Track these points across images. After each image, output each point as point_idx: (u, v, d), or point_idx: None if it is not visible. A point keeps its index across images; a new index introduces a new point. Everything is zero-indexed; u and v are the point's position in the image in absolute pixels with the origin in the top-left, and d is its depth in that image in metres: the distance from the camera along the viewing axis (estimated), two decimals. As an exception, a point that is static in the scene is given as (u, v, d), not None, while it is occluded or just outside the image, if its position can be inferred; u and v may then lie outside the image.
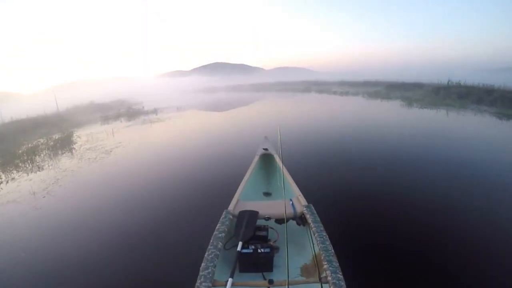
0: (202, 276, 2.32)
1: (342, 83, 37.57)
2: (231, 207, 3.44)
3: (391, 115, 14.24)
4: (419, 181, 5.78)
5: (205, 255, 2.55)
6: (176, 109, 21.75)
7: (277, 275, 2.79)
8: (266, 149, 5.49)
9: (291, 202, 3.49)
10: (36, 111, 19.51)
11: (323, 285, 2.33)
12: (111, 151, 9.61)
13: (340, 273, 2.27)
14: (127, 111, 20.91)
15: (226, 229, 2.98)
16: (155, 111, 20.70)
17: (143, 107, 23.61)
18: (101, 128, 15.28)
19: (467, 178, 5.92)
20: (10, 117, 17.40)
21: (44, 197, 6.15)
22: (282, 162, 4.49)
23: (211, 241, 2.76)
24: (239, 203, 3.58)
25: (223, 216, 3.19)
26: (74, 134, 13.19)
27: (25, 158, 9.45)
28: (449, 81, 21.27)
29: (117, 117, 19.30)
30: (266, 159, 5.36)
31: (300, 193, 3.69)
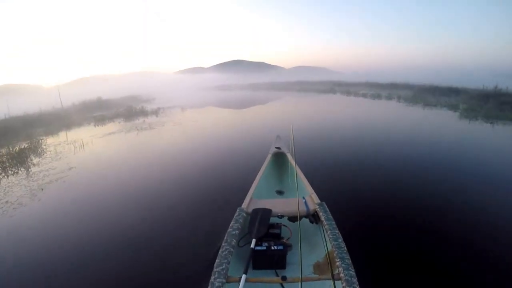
0: (216, 272, 2.33)
1: (368, 85, 34.71)
2: (244, 204, 3.45)
3: (455, 130, 11.07)
4: (438, 186, 5.56)
5: (219, 252, 2.57)
6: (189, 106, 21.35)
7: (290, 272, 2.85)
8: (278, 148, 5.52)
9: (304, 200, 3.50)
10: (43, 106, 19.72)
11: (335, 282, 2.31)
12: (67, 172, 7.27)
13: (353, 270, 2.28)
14: (130, 110, 18.72)
15: (239, 227, 2.98)
16: (158, 110, 18.84)
17: (149, 106, 21.49)
18: (88, 131, 13.40)
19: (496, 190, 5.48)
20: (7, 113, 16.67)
21: None
22: (295, 160, 4.48)
23: (225, 238, 2.76)
24: (252, 201, 3.60)
25: (236, 213, 3.21)
26: (42, 143, 10.80)
27: None
28: (496, 87, 17.71)
29: (115, 116, 17.37)
30: (279, 158, 5.39)
31: (313, 191, 3.68)
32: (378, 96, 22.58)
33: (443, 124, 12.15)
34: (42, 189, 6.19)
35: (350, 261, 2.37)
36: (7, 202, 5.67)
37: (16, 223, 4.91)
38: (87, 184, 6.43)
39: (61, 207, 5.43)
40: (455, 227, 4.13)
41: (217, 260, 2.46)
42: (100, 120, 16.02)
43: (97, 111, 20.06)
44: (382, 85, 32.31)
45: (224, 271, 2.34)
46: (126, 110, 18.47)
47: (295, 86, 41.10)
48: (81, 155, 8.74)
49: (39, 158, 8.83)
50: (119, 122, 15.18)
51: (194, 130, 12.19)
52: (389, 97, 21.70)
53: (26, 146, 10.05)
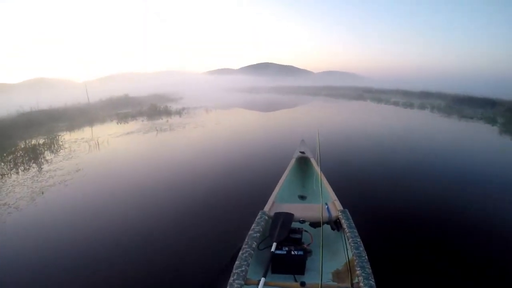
0: (236, 274, 2.33)
1: (398, 92, 33.44)
2: (266, 208, 3.46)
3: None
4: (473, 202, 5.23)
5: (240, 254, 2.57)
6: (215, 107, 20.95)
7: (309, 278, 2.73)
8: (303, 152, 5.44)
9: (326, 206, 3.47)
10: (71, 100, 20.06)
11: None
12: (77, 171, 6.96)
13: (373, 280, 2.23)
14: (153, 109, 18.42)
15: (261, 230, 2.99)
16: (182, 110, 18.40)
17: (174, 106, 21.17)
18: (108, 128, 13.21)
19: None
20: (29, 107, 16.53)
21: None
22: (320, 166, 4.41)
23: (245, 240, 2.78)
24: (274, 204, 3.59)
25: (258, 216, 3.21)
26: (60, 140, 10.55)
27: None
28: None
29: (139, 114, 17.14)
30: (303, 162, 5.33)
31: (336, 198, 3.65)
32: (411, 105, 21.34)
33: (481, 138, 11.39)
34: (42, 193, 5.71)
35: (371, 270, 2.33)
36: (5, 204, 5.27)
37: (8, 229, 4.50)
38: (88, 191, 5.91)
39: (56, 217, 4.92)
40: (488, 243, 3.96)
41: (236, 262, 2.47)
42: (123, 118, 15.84)
43: (121, 108, 20.05)
44: (413, 93, 31.01)
45: (243, 273, 2.35)
46: (150, 109, 18.18)
47: (324, 91, 40.25)
48: (93, 156, 8.34)
49: (53, 155, 8.53)
50: (141, 121, 14.88)
51: (216, 132, 11.71)
52: (421, 107, 20.47)
53: (42, 142, 9.88)
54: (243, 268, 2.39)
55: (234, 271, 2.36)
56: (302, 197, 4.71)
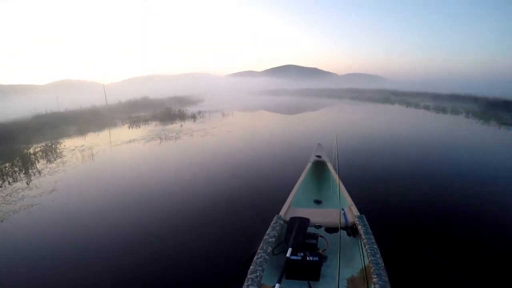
0: (250, 279, 2.29)
1: (427, 95, 31.51)
2: (282, 212, 3.38)
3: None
4: (493, 204, 5.07)
5: (254, 259, 2.52)
6: (234, 110, 20.57)
7: (324, 285, 2.75)
8: (319, 156, 5.35)
9: (343, 212, 3.39)
10: (90, 102, 20.40)
11: None
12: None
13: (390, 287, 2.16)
14: (168, 113, 17.66)
15: (276, 234, 2.94)
16: (197, 115, 17.46)
17: (191, 109, 20.19)
18: (114, 134, 12.51)
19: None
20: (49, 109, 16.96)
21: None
22: (337, 170, 4.32)
23: (261, 245, 2.72)
24: (290, 209, 3.52)
25: (274, 221, 3.16)
26: (58, 147, 9.81)
27: None
28: None
29: (151, 118, 16.55)
30: (319, 167, 5.21)
31: (353, 203, 3.56)
32: (443, 110, 19.46)
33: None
34: (1, 221, 4.69)
35: (387, 278, 2.25)
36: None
37: None
38: (48, 223, 4.69)
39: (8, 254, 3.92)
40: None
41: (251, 267, 2.41)
42: (135, 122, 15.16)
43: (137, 111, 19.73)
44: (442, 96, 29.08)
45: (258, 279, 2.30)
46: (164, 113, 17.45)
47: (348, 94, 39.03)
48: (78, 171, 7.17)
49: (43, 166, 7.68)
50: (152, 126, 14.04)
51: (226, 141, 10.40)
52: (455, 111, 18.63)
53: (41, 149, 9.21)
54: (258, 274, 2.34)
55: (248, 276, 2.31)
56: (318, 202, 4.61)
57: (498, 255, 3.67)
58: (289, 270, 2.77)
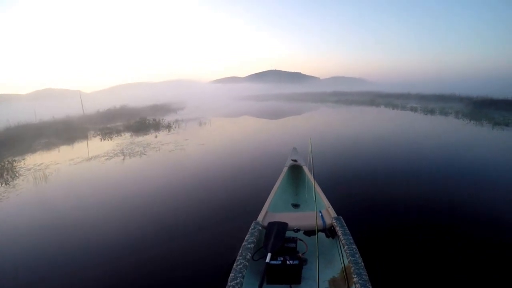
0: (230, 287, 2.26)
1: (411, 97, 31.55)
2: (260, 218, 3.36)
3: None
4: (457, 199, 5.25)
5: (234, 266, 2.48)
6: (213, 117, 20.22)
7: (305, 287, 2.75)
8: (295, 161, 5.32)
9: (320, 214, 3.40)
10: (67, 112, 20.15)
11: None
12: None
13: (370, 286, 2.17)
14: (143, 122, 16.57)
15: (255, 240, 2.91)
16: (172, 124, 16.39)
17: (168, 118, 19.57)
18: (79, 149, 11.39)
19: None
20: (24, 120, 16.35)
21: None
22: (312, 174, 4.23)
23: (240, 251, 2.70)
24: (268, 214, 3.51)
25: (252, 227, 3.13)
26: (18, 165, 8.84)
27: None
28: None
29: (125, 129, 15.50)
30: (295, 171, 5.21)
31: (330, 205, 3.59)
32: (431, 111, 18.78)
33: (469, 135, 11.02)
34: None
35: (368, 277, 2.26)
36: None
37: None
38: None
39: None
40: (484, 244, 3.81)
41: (231, 274, 2.38)
42: (107, 134, 14.12)
43: (113, 121, 18.89)
44: (427, 97, 29.04)
45: (239, 286, 2.27)
46: (139, 123, 16.35)
47: (332, 97, 38.51)
48: (21, 199, 6.02)
49: None
50: (121, 138, 12.83)
51: (197, 154, 9.32)
52: (443, 112, 17.99)
53: None
54: (238, 280, 2.30)
55: (229, 283, 2.27)
56: (296, 206, 4.62)
57: (472, 247, 3.75)
58: (269, 275, 2.78)
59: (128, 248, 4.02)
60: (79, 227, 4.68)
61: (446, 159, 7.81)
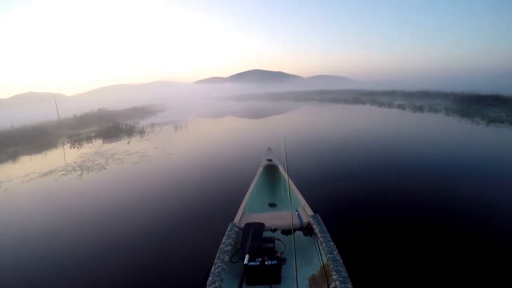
0: None
1: (396, 94, 31.03)
2: (236, 219, 3.29)
3: None
4: (427, 190, 5.43)
5: (212, 269, 2.42)
6: (192, 119, 19.93)
7: (285, 287, 2.73)
8: (270, 160, 5.26)
9: (297, 213, 3.38)
10: (41, 117, 19.56)
11: None
12: None
13: (350, 283, 2.19)
14: (116, 127, 15.48)
15: (232, 242, 2.86)
16: (146, 129, 15.31)
17: (144, 122, 18.61)
18: (42, 159, 10.37)
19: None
20: None
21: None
22: (287, 173, 4.37)
23: (217, 254, 2.63)
24: (244, 215, 3.44)
25: (228, 229, 3.06)
26: None
27: None
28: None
29: (95, 136, 14.33)
30: (270, 170, 5.14)
31: (306, 203, 3.54)
32: (420, 109, 18.10)
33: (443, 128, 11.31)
34: None
35: (347, 274, 2.26)
36: None
37: None
38: None
39: None
40: (456, 232, 3.98)
41: (210, 278, 2.32)
42: (77, 141, 12.98)
43: (88, 126, 17.88)
44: (412, 94, 28.66)
45: None
46: (112, 128, 15.27)
47: (316, 96, 37.83)
48: None
49: None
50: (88, 147, 11.56)
51: (166, 167, 8.07)
52: (433, 109, 17.35)
53: None
54: (217, 284, 2.24)
55: (207, 287, 2.20)
56: (272, 205, 4.53)
57: (449, 240, 3.80)
58: (249, 277, 2.73)
59: (99, 262, 3.73)
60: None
61: (424, 155, 7.76)
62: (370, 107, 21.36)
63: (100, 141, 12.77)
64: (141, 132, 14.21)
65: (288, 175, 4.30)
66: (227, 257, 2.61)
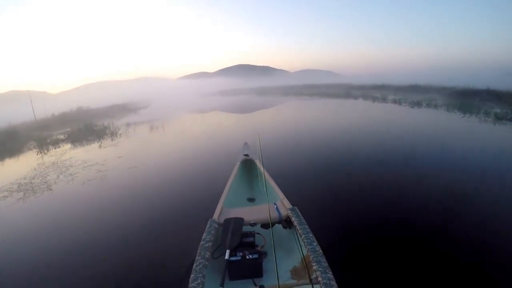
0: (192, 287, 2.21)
1: (386, 88, 29.74)
2: (215, 215, 3.28)
3: None
4: (401, 180, 5.65)
5: (193, 266, 2.41)
6: (171, 116, 19.35)
7: (268, 280, 2.71)
8: (247, 155, 5.26)
9: (275, 206, 3.41)
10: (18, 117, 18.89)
11: (314, 286, 2.31)
12: None
13: (330, 272, 2.22)
14: (88, 128, 14.17)
15: (212, 238, 2.85)
16: (118, 131, 13.75)
17: (120, 121, 17.41)
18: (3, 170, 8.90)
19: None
20: None
21: None
22: (263, 167, 4.36)
23: (198, 251, 2.61)
24: (223, 211, 3.44)
25: (208, 225, 3.05)
26: None
27: None
28: None
29: (65, 139, 12.68)
30: (248, 165, 5.15)
31: (284, 197, 3.57)
32: (418, 104, 16.92)
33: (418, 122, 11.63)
34: None
35: (327, 263, 2.30)
36: None
37: None
38: None
39: None
40: (426, 222, 4.08)
41: (192, 275, 2.29)
42: (43, 146, 11.41)
43: (61, 127, 16.23)
44: (403, 88, 27.48)
45: (200, 286, 2.21)
46: (83, 129, 13.85)
47: (304, 90, 36.53)
48: None
49: None
50: (50, 154, 10.10)
51: (127, 179, 6.91)
52: (431, 105, 16.21)
53: None
54: (199, 281, 2.23)
55: (190, 284, 2.19)
56: (251, 200, 4.47)
57: (420, 224, 3.98)
58: (231, 272, 2.72)
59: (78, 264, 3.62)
60: None
61: (395, 147, 8.04)
62: (363, 102, 20.28)
63: (68, 145, 11.29)
64: (113, 134, 12.77)
65: (264, 169, 4.23)
66: (208, 253, 2.59)
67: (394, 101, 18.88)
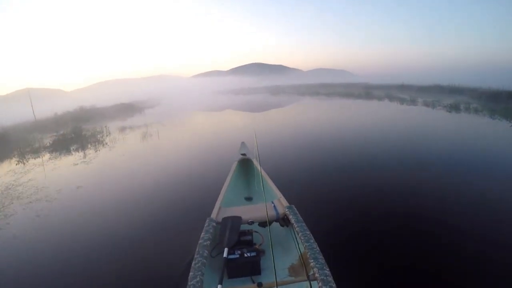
0: (191, 286, 2.16)
1: (406, 88, 28.03)
2: (213, 214, 3.24)
3: None
4: (397, 178, 5.66)
5: (192, 264, 2.36)
6: (179, 117, 18.54)
7: (266, 278, 2.69)
8: (244, 154, 5.23)
9: (273, 205, 3.37)
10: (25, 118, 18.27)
11: (311, 282, 2.24)
12: None
13: (327, 269, 2.20)
14: (78, 134, 12.57)
15: (210, 237, 2.78)
16: (108, 137, 12.17)
17: (116, 124, 16.11)
18: None
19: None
20: None
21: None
22: (260, 166, 4.28)
23: (197, 250, 2.56)
24: (221, 209, 3.41)
25: (206, 224, 2.98)
26: None
27: None
28: None
29: (49, 146, 11.07)
30: (245, 164, 5.11)
31: (281, 195, 3.54)
32: (455, 108, 14.54)
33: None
34: None
35: (324, 260, 2.28)
36: None
37: None
38: None
39: None
40: (422, 220, 4.04)
41: (190, 273, 2.25)
42: (24, 154, 9.92)
43: (55, 130, 14.64)
44: (426, 88, 25.51)
45: (199, 284, 2.16)
46: (70, 134, 12.33)
47: (320, 90, 34.68)
48: None
49: None
50: (24, 166, 8.52)
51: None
52: (470, 108, 13.99)
53: None
54: (198, 279, 2.18)
55: (189, 282, 2.13)
56: (248, 199, 4.47)
57: (416, 223, 3.92)
58: (229, 270, 2.70)
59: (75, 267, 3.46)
60: None
61: (389, 145, 8.11)
62: (390, 104, 18.23)
63: (46, 156, 9.56)
64: (98, 143, 10.91)
65: (261, 168, 4.19)
66: (206, 251, 2.52)
67: (426, 104, 16.65)
